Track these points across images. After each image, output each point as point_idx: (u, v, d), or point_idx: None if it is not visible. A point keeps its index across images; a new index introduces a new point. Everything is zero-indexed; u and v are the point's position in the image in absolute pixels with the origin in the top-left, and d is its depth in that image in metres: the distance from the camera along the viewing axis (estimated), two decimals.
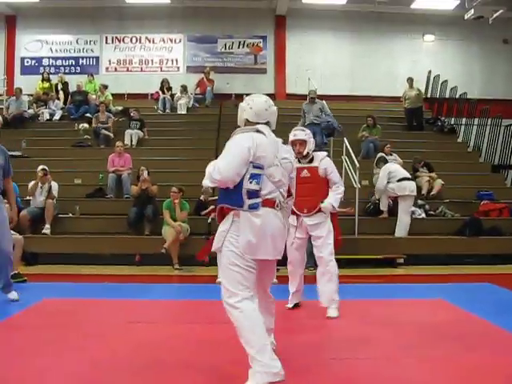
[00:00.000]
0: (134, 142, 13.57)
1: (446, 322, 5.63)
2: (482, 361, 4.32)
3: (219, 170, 3.73)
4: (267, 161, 3.85)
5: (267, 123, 4.09)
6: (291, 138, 5.89)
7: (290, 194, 4.16)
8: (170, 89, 16.38)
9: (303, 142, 5.88)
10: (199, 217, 10.37)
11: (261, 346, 3.61)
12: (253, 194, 3.78)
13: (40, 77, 16.54)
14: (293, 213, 5.50)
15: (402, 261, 10.01)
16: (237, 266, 3.71)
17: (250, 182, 3.79)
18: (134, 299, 6.70)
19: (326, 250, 5.91)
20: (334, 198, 5.94)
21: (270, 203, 3.83)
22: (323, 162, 6.01)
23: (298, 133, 5.93)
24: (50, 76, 16.67)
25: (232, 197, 3.78)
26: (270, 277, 4.14)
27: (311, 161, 6.02)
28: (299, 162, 5.93)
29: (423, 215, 11.17)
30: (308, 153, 5.95)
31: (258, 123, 4.03)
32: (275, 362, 3.60)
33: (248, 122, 4.09)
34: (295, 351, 4.53)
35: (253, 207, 3.77)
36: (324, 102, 12.92)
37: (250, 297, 3.72)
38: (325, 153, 6.25)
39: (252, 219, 3.75)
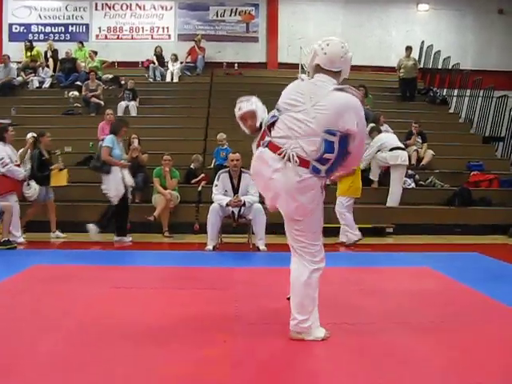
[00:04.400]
0: (135, 113, 13.46)
1: (432, 289, 5.69)
2: (467, 327, 4.37)
3: None
4: (286, 105, 3.82)
5: (339, 72, 3.93)
6: (237, 113, 4.32)
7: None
8: (162, 57, 16.24)
9: (253, 114, 4.26)
10: (189, 185, 10.37)
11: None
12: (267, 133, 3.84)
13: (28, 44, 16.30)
14: None
15: (391, 230, 10.07)
16: None
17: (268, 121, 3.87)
18: (122, 265, 6.72)
19: None
20: None
21: (273, 148, 3.76)
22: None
23: (244, 105, 4.29)
24: (38, 43, 16.43)
25: None
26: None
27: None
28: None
29: (413, 185, 11.19)
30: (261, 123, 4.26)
31: (331, 71, 3.86)
32: None
33: (319, 68, 3.91)
34: (282, 317, 4.58)
35: (262, 145, 3.85)
36: None
37: None
38: None
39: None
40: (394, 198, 10.51)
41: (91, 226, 8.60)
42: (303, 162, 3.70)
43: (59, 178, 9.39)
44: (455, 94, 16.05)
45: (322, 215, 3.97)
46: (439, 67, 16.58)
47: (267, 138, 3.86)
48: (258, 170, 3.89)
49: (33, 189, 8.90)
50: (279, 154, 3.73)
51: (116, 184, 8.61)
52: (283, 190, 3.76)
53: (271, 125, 3.88)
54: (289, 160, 3.70)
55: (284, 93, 3.97)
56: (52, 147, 9.65)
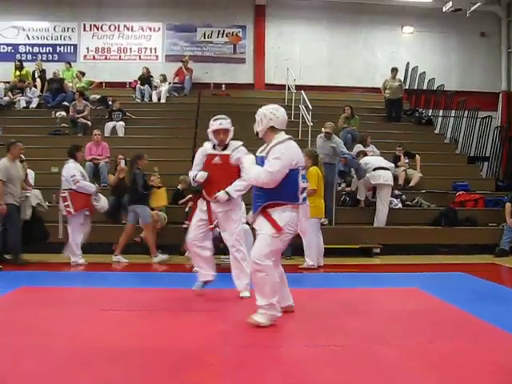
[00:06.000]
0: (122, 134, 13.47)
1: (420, 310, 5.71)
2: (455, 348, 4.40)
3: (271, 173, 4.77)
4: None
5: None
6: (216, 126, 5.97)
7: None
8: (150, 78, 16.30)
9: (227, 131, 6.01)
10: (177, 205, 10.35)
11: None
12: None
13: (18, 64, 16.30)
14: (203, 197, 6.00)
15: (378, 250, 10.09)
16: None
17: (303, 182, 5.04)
18: (110, 287, 6.69)
19: (230, 238, 6.05)
20: (232, 187, 5.95)
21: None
22: (237, 150, 6.03)
23: (224, 122, 6.01)
24: (26, 64, 16.42)
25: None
26: None
27: (225, 148, 6.06)
28: (214, 148, 6.06)
29: (400, 205, 11.27)
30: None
31: (281, 130, 4.98)
32: None
33: (272, 130, 4.96)
34: (271, 339, 4.57)
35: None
36: (340, 140, 10.93)
37: None
38: (240, 142, 6.17)
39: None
40: (380, 218, 10.58)
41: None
42: None
43: (159, 198, 9.70)
44: (440, 114, 16.24)
45: None
46: (424, 88, 16.80)
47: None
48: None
49: (102, 200, 9.09)
50: None
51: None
52: None
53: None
54: None
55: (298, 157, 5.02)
56: (147, 168, 9.69)
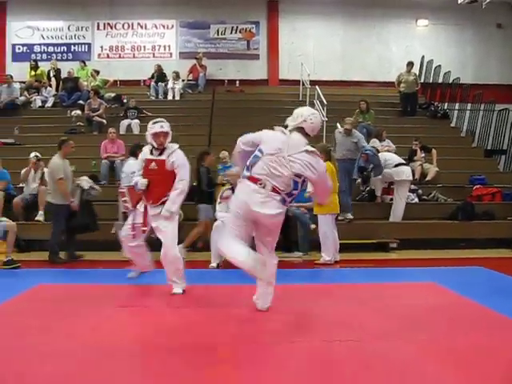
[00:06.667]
0: (137, 131, 13.50)
1: (437, 305, 5.67)
2: (472, 343, 4.35)
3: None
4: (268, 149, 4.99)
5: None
6: (157, 129, 6.02)
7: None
8: (163, 75, 16.33)
9: (167, 134, 6.08)
10: (193, 203, 10.36)
11: None
12: (247, 168, 5.05)
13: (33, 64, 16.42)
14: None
15: (395, 245, 10.03)
16: None
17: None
18: (126, 284, 6.71)
19: (166, 239, 6.08)
20: (171, 201, 6.01)
21: (254, 180, 4.96)
22: (173, 155, 6.09)
23: (165, 125, 6.07)
24: (41, 63, 16.55)
25: None
26: None
27: (162, 152, 6.10)
28: (151, 153, 6.12)
29: (416, 200, 11.20)
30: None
31: (308, 135, 5.16)
32: None
33: (300, 130, 5.13)
34: (287, 334, 4.57)
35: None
36: (361, 135, 10.68)
37: None
38: (176, 145, 6.26)
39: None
40: (397, 213, 10.52)
41: None
42: (276, 191, 4.95)
43: None
44: (456, 108, 16.09)
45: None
46: (440, 82, 16.66)
47: (246, 173, 5.04)
48: (242, 193, 5.07)
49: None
50: (260, 185, 4.94)
51: None
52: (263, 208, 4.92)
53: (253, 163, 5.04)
54: (264, 188, 4.92)
55: (266, 139, 5.11)
56: (213, 165, 9.60)
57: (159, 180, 6.03)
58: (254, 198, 4.92)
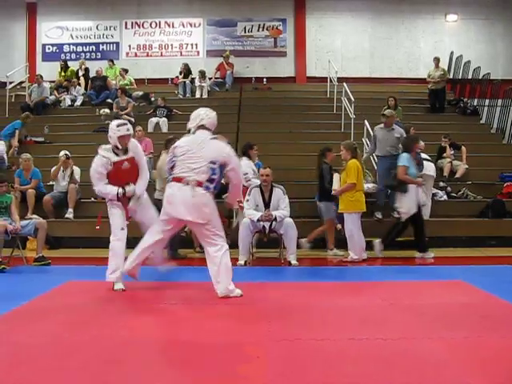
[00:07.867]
0: (166, 130, 13.62)
1: (468, 303, 5.59)
2: (503, 342, 4.28)
3: None
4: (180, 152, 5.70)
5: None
6: (124, 132, 6.23)
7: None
8: (189, 73, 16.42)
9: (130, 136, 6.38)
10: (220, 200, 10.38)
11: None
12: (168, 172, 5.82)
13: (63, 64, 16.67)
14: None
15: None
16: None
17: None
18: (153, 281, 6.75)
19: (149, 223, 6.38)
20: (141, 189, 6.41)
21: (177, 180, 5.61)
22: (132, 149, 6.37)
23: (130, 127, 6.41)
24: (70, 63, 16.81)
25: None
26: None
27: (127, 151, 6.34)
28: (117, 155, 6.28)
29: (445, 197, 11.07)
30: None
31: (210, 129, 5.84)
32: None
33: (202, 127, 5.82)
34: (315, 332, 4.56)
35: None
36: (402, 130, 10.33)
37: None
38: (134, 140, 6.64)
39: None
40: (424, 210, 10.38)
41: (376, 243, 8.64)
42: (199, 184, 5.55)
43: None
44: (486, 104, 15.86)
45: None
46: (469, 77, 16.45)
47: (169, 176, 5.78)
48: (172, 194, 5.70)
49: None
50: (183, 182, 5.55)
51: (410, 202, 8.56)
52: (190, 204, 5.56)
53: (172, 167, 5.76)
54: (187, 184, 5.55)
55: (178, 146, 5.81)
56: (335, 162, 9.37)
57: (131, 176, 6.35)
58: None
